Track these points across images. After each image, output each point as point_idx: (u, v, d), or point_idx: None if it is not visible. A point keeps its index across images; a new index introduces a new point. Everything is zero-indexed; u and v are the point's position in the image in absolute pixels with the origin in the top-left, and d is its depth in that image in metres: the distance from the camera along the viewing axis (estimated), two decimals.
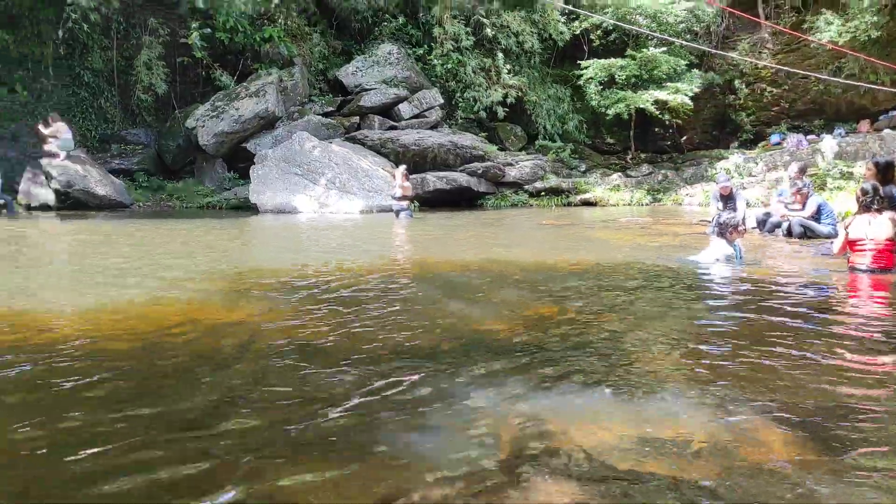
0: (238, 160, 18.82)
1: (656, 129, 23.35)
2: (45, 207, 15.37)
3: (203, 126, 18.33)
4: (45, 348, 3.46)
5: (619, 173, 21.80)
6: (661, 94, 20.26)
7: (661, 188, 20.50)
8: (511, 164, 20.64)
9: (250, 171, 16.99)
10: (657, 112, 20.70)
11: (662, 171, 21.61)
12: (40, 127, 16.17)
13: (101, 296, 4.97)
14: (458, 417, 2.56)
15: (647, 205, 19.16)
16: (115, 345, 3.60)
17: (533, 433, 2.42)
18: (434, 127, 20.58)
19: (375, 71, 20.66)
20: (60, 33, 18.00)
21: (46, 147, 15.96)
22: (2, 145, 17.41)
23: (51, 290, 5.39)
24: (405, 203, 14.63)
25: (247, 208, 16.40)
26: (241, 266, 6.81)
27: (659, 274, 6.28)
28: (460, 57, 22.01)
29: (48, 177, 15.56)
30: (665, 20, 21.89)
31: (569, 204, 19.72)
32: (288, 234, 11.45)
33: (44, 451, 2.24)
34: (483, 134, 21.97)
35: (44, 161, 15.71)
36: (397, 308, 4.63)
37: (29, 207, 15.33)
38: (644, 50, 20.86)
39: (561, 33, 23.24)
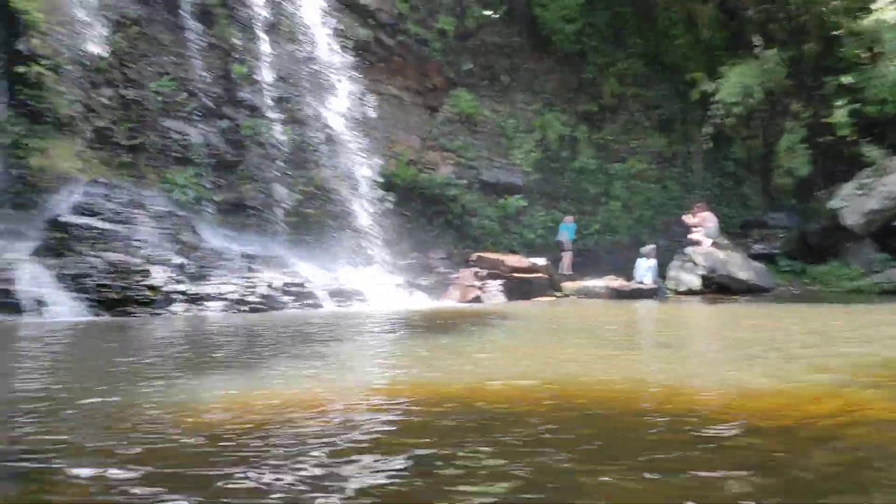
0: (891, 239, 16.93)
1: None
2: (689, 292, 16.45)
3: (848, 206, 17.20)
4: (698, 422, 3.51)
5: None
6: None
7: None
8: None
9: None
10: None
11: None
12: (687, 217, 17.66)
13: (740, 376, 4.91)
14: None
15: None
16: (765, 423, 3.45)
17: None
18: None
19: None
20: (705, 130, 19.45)
21: (692, 236, 17.29)
22: (656, 236, 19.49)
23: (695, 368, 5.60)
24: None
25: None
26: None
27: None
28: None
29: (694, 263, 16.69)
30: None
31: None
32: None
33: None
34: None
35: (690, 249, 16.98)
36: None
37: (677, 292, 16.64)
38: None
39: None
